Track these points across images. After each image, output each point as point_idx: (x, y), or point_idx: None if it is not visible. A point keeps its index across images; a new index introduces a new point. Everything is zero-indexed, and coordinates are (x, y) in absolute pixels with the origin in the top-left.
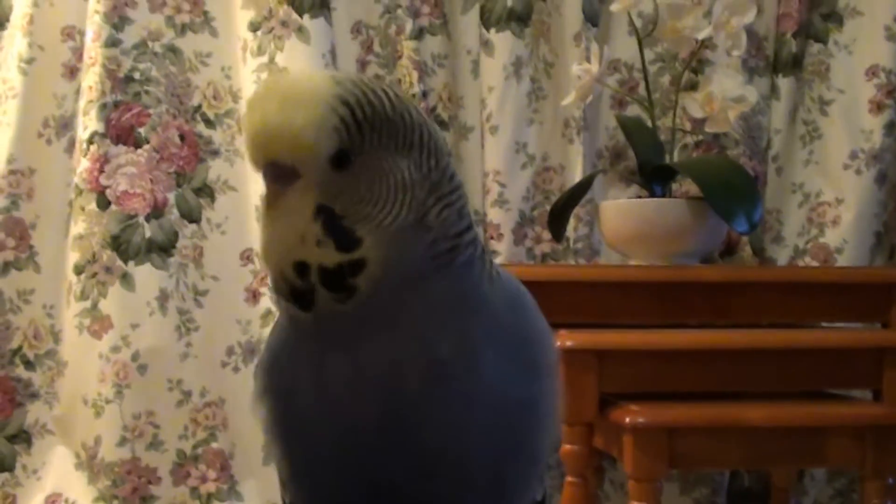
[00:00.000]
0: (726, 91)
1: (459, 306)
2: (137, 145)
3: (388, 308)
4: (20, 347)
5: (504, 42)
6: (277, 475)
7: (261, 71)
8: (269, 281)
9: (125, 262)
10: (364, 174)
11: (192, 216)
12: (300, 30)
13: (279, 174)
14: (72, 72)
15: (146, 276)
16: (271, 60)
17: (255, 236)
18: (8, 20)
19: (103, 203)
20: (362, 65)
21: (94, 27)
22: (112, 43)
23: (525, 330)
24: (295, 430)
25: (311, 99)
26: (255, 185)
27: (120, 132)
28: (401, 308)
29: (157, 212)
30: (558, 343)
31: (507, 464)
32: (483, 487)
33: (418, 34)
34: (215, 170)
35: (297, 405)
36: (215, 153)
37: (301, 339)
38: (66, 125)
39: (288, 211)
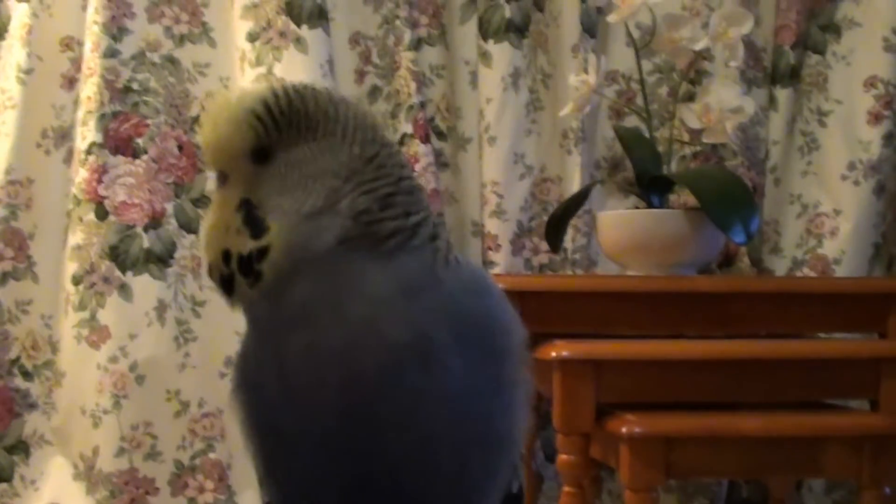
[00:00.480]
0: (724, 102)
1: (408, 289)
2: (136, 156)
3: (293, 293)
4: (18, 358)
5: (502, 53)
6: (256, 475)
7: (259, 81)
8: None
9: (123, 272)
10: (281, 167)
11: (190, 226)
12: (298, 40)
13: (218, 177)
14: (70, 82)
15: (144, 286)
16: (269, 71)
17: None
18: (7, 31)
19: (101, 213)
20: (360, 75)
21: (92, 38)
22: (111, 54)
23: (485, 315)
24: (265, 425)
25: (228, 108)
26: None
27: (118, 143)
28: (307, 293)
29: (155, 222)
30: (554, 353)
31: (470, 451)
32: (449, 476)
33: (416, 45)
34: (214, 180)
35: (263, 398)
36: None
37: (254, 331)
38: (64, 136)
39: (220, 205)
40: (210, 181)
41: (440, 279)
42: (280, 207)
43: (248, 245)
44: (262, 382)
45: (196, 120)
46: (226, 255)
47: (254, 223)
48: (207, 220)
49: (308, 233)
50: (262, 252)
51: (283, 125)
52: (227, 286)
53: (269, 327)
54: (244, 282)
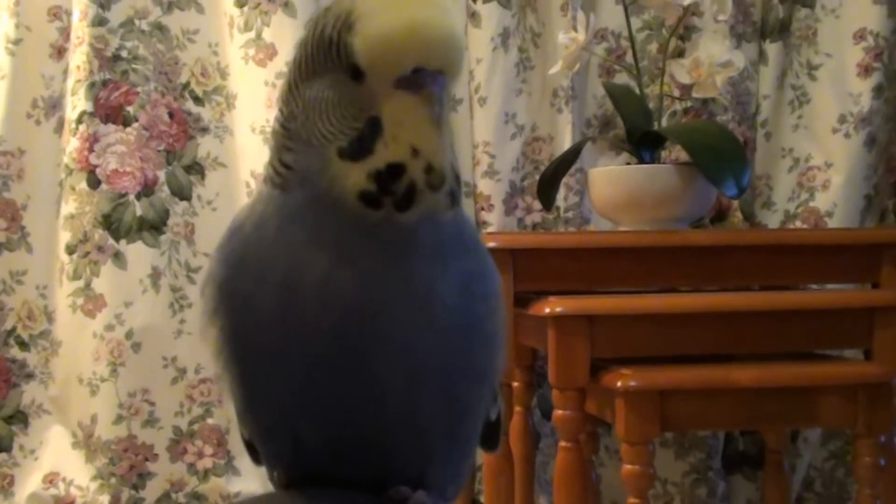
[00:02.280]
0: (713, 56)
1: (450, 234)
2: (126, 124)
3: (448, 237)
4: (14, 328)
5: (491, 13)
6: (234, 408)
7: (248, 47)
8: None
9: (117, 240)
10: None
11: (182, 193)
12: (286, 4)
13: (429, 79)
14: (59, 52)
15: (138, 254)
16: (258, 36)
17: None
18: None
19: (94, 182)
20: None
21: (80, 6)
22: (99, 22)
23: (481, 256)
24: (251, 350)
25: (449, 5)
26: (244, 161)
27: (109, 111)
28: (451, 241)
29: (147, 190)
30: (548, 310)
31: (455, 381)
32: (435, 405)
33: None
34: (205, 147)
35: (256, 320)
36: (204, 130)
37: (304, 248)
38: (54, 105)
39: (443, 111)
40: (202, 147)
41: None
42: None
43: (453, 158)
44: (256, 300)
45: (186, 86)
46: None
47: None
48: (439, 130)
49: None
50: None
51: None
52: (405, 203)
53: (386, 249)
54: (445, 204)
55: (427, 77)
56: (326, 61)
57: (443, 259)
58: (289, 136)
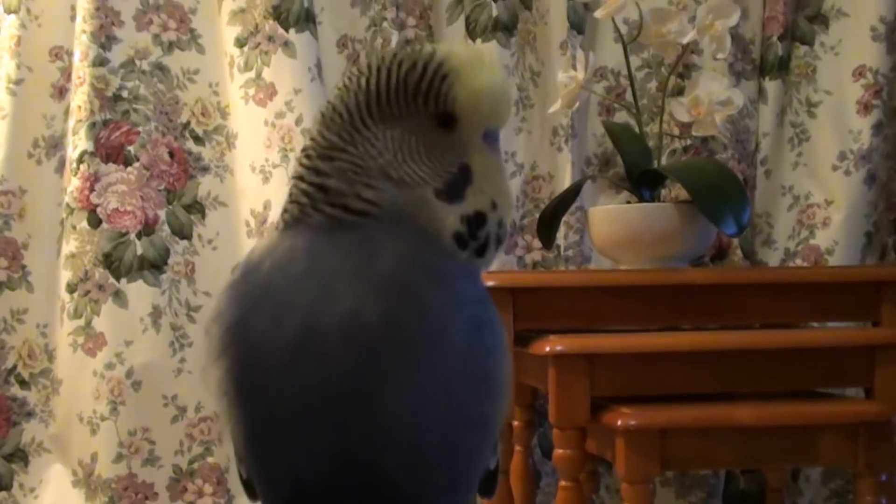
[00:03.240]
0: (712, 94)
1: (456, 272)
2: (127, 163)
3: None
4: (15, 367)
5: (490, 52)
6: (234, 449)
7: (248, 86)
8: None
9: (117, 279)
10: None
11: (183, 232)
12: (286, 44)
13: (494, 135)
14: (61, 92)
15: (139, 293)
16: (258, 76)
17: (246, 251)
18: None
19: (94, 221)
20: None
21: (81, 47)
22: (100, 62)
23: (489, 304)
24: (256, 392)
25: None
26: (245, 200)
27: (109, 150)
28: (467, 289)
29: (148, 229)
30: (548, 348)
31: (458, 433)
32: (437, 457)
33: (404, 46)
34: (205, 186)
35: (264, 363)
36: (205, 169)
37: (337, 281)
38: (56, 145)
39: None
40: (203, 186)
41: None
42: None
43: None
44: (265, 343)
45: (186, 126)
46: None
47: None
48: (505, 182)
49: None
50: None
51: None
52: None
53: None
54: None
55: (498, 133)
56: (411, 107)
57: (460, 305)
58: (368, 174)
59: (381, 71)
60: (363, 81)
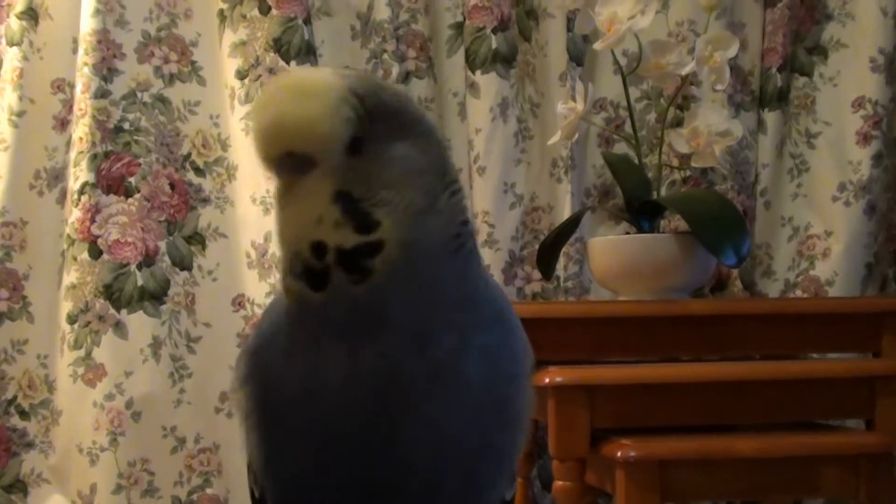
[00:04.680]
0: (712, 126)
1: (462, 299)
2: (128, 195)
3: (400, 293)
4: (15, 397)
5: (490, 83)
6: (248, 465)
7: (249, 118)
8: (280, 266)
9: (118, 310)
10: (377, 160)
11: (183, 264)
12: None
13: (295, 164)
14: (62, 124)
15: (139, 323)
16: None
17: (247, 283)
18: None
19: (95, 252)
20: None
21: (83, 79)
22: (101, 94)
23: (509, 330)
24: (276, 419)
25: (323, 90)
26: (245, 232)
27: (111, 182)
28: (413, 294)
29: (148, 260)
30: (547, 380)
31: (478, 462)
32: (455, 485)
33: (405, 78)
34: (205, 217)
35: (282, 393)
36: (205, 201)
37: (301, 325)
38: (57, 176)
39: (305, 196)
40: (203, 218)
41: (482, 291)
42: (389, 202)
43: (351, 239)
44: (283, 376)
45: (187, 157)
46: (318, 248)
47: (359, 216)
48: (289, 210)
49: (421, 231)
50: (375, 247)
51: (378, 116)
52: (316, 280)
53: (347, 327)
54: (346, 277)
55: (285, 161)
56: None
57: (459, 335)
58: None
59: None
60: None
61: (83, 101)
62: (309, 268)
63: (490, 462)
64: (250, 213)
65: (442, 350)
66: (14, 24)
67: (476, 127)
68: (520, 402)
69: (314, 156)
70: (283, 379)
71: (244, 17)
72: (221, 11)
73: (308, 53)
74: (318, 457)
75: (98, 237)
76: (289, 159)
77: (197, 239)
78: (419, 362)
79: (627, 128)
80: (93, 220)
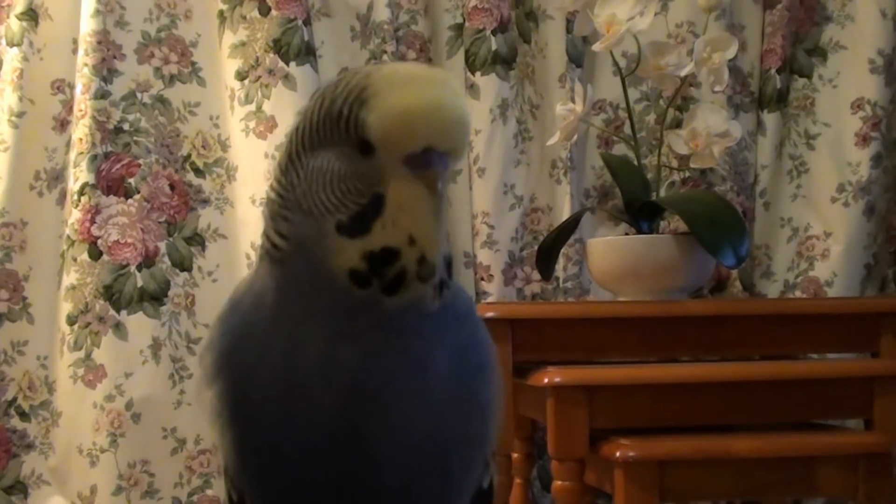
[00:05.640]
0: (711, 127)
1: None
2: (128, 195)
3: (439, 312)
4: (15, 399)
5: (489, 85)
6: (224, 470)
7: (248, 119)
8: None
9: (118, 311)
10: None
11: (183, 265)
12: (287, 77)
13: (437, 160)
14: (62, 124)
15: (139, 325)
16: (259, 108)
17: None
18: None
19: (95, 253)
20: None
21: (83, 80)
22: (101, 95)
23: (471, 336)
24: (252, 416)
25: (459, 89)
26: (245, 233)
27: (110, 183)
28: (443, 313)
29: (148, 261)
30: (547, 380)
31: (452, 451)
32: (427, 478)
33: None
34: (205, 218)
35: (258, 389)
36: (205, 202)
37: (303, 322)
38: (57, 177)
39: (443, 200)
40: (203, 219)
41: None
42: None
43: (446, 248)
44: (262, 371)
45: (187, 158)
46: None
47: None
48: (437, 216)
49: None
50: (450, 264)
51: None
52: (396, 287)
53: (379, 332)
54: (433, 291)
55: (435, 157)
56: (335, 134)
57: (437, 332)
58: (286, 206)
59: (316, 99)
60: (309, 110)
61: (83, 102)
62: (422, 276)
63: (464, 450)
64: (250, 214)
65: (419, 346)
66: (14, 24)
67: (476, 128)
68: (489, 391)
69: (452, 154)
70: (260, 374)
71: (244, 18)
72: (221, 12)
73: (308, 54)
74: (299, 451)
75: (98, 238)
76: (432, 153)
77: (197, 240)
78: (397, 358)
79: (627, 129)
80: (93, 221)
